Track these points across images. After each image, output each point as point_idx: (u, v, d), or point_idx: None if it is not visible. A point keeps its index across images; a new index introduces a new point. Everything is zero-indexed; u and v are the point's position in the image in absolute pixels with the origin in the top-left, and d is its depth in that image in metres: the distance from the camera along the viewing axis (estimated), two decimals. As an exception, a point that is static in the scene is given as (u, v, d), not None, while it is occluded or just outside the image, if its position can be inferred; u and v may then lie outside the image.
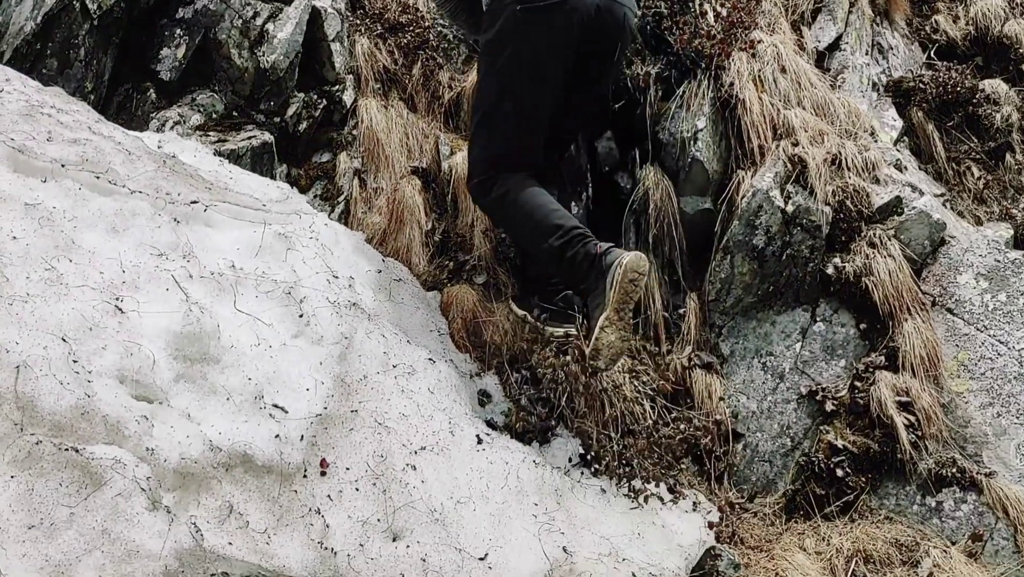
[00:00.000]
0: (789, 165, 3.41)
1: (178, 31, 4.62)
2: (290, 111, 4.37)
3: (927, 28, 5.55)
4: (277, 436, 2.39)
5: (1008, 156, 4.75)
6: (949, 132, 4.75)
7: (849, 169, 3.40)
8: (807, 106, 3.66)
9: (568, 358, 3.26)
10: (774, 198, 3.35)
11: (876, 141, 4.36)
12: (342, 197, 4.29)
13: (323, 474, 2.40)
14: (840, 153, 3.42)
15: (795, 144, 3.45)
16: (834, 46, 4.13)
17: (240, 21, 4.48)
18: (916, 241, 3.27)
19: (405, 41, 4.49)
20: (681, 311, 3.54)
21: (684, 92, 3.58)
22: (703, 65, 3.58)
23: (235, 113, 4.49)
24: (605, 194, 3.85)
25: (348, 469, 2.46)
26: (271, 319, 2.79)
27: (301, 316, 2.85)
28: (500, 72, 3.03)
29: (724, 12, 3.69)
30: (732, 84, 3.54)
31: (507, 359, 3.34)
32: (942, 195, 4.58)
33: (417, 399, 2.83)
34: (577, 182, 3.77)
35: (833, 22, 4.10)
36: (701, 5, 3.73)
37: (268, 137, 4.21)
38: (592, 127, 3.58)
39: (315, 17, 4.44)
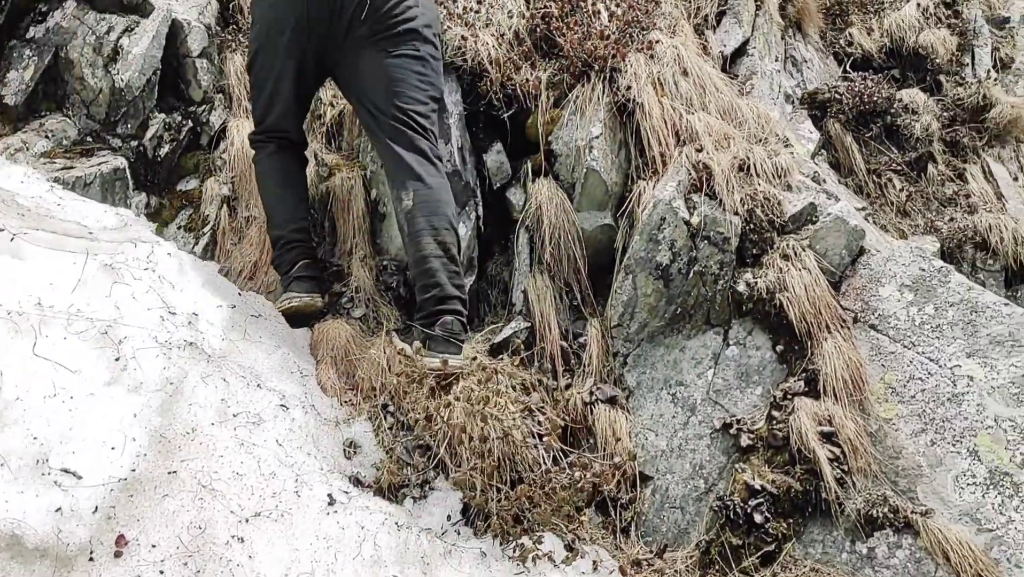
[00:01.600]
0: (693, 173, 3.07)
1: (27, 52, 4.15)
2: (149, 134, 3.91)
3: (841, 41, 5.38)
4: (59, 509, 1.91)
5: (930, 167, 4.52)
6: (868, 144, 4.51)
7: (759, 175, 3.08)
8: (712, 111, 3.34)
9: (449, 396, 2.84)
10: (678, 209, 3.00)
11: (792, 153, 4.08)
12: (208, 227, 3.84)
13: (118, 555, 1.93)
14: (748, 158, 3.10)
15: (699, 150, 3.12)
16: (741, 51, 3.85)
17: (93, 37, 4.03)
18: (833, 251, 2.94)
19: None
20: (582, 339, 3.16)
21: (577, 97, 3.24)
22: (597, 68, 3.25)
23: (89, 138, 4.03)
24: (498, 211, 3.47)
25: (154, 547, 1.99)
26: (79, 365, 2.32)
27: (117, 360, 2.39)
28: (253, 38, 3.21)
29: (619, 11, 3.36)
30: (629, 87, 3.20)
31: (382, 402, 2.91)
32: (863, 208, 4.31)
33: (259, 453, 2.38)
34: (465, 199, 3.39)
35: (739, 25, 3.82)
36: (594, 4, 3.41)
37: (120, 162, 3.75)
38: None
39: (176, 31, 4.01)
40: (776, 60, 4.02)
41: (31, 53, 4.16)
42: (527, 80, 3.30)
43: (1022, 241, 4.17)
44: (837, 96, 4.58)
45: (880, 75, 4.97)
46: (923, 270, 2.81)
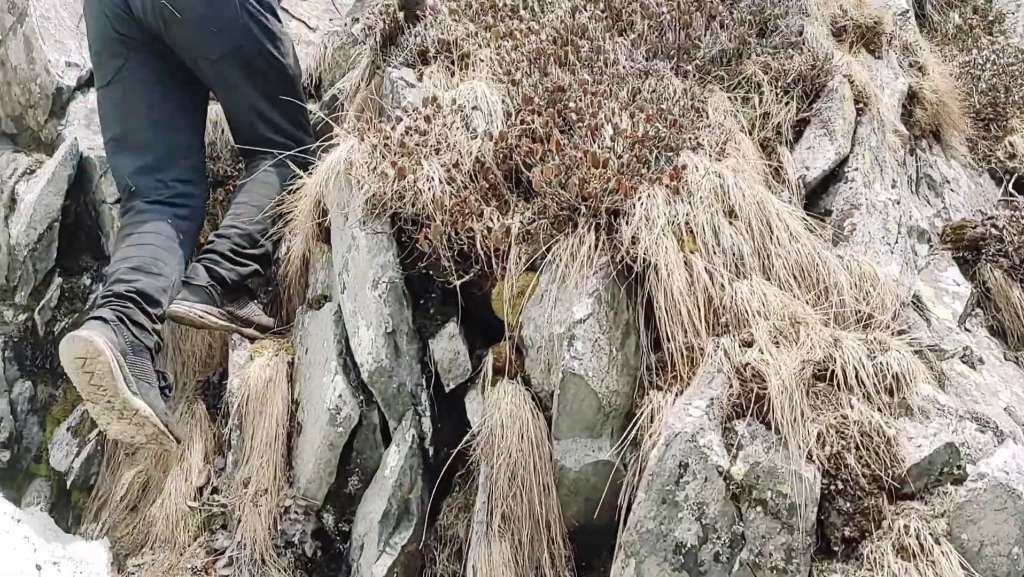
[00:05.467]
0: (736, 384, 1.82)
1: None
2: (41, 304, 3.03)
3: (999, 153, 4.04)
4: None
5: None
6: (1046, 299, 3.10)
7: (851, 389, 1.79)
8: (780, 272, 2.10)
9: None
10: (708, 449, 1.75)
11: (929, 320, 2.74)
12: (96, 431, 2.86)
13: None
14: (832, 359, 1.82)
15: (748, 344, 1.87)
16: (836, 176, 2.60)
17: (-1, 181, 3.26)
18: (992, 546, 1.58)
19: (222, 197, 3.17)
20: (558, 659, 1.90)
21: (557, 258, 2.08)
22: (586, 210, 2.09)
23: (-15, 309, 3.20)
24: (453, 425, 2.31)
25: None
26: None
27: None
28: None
29: (626, 126, 2.22)
30: (636, 240, 2.03)
31: None
32: (1048, 399, 2.86)
33: None
34: (400, 410, 2.26)
35: (829, 138, 2.57)
36: (595, 116, 2.29)
37: (-16, 350, 2.88)
38: None
39: (89, 171, 3.15)
40: (894, 186, 2.74)
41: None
42: (488, 230, 2.19)
43: None
44: (995, 230, 3.22)
45: (1058, 199, 3.58)
46: None
